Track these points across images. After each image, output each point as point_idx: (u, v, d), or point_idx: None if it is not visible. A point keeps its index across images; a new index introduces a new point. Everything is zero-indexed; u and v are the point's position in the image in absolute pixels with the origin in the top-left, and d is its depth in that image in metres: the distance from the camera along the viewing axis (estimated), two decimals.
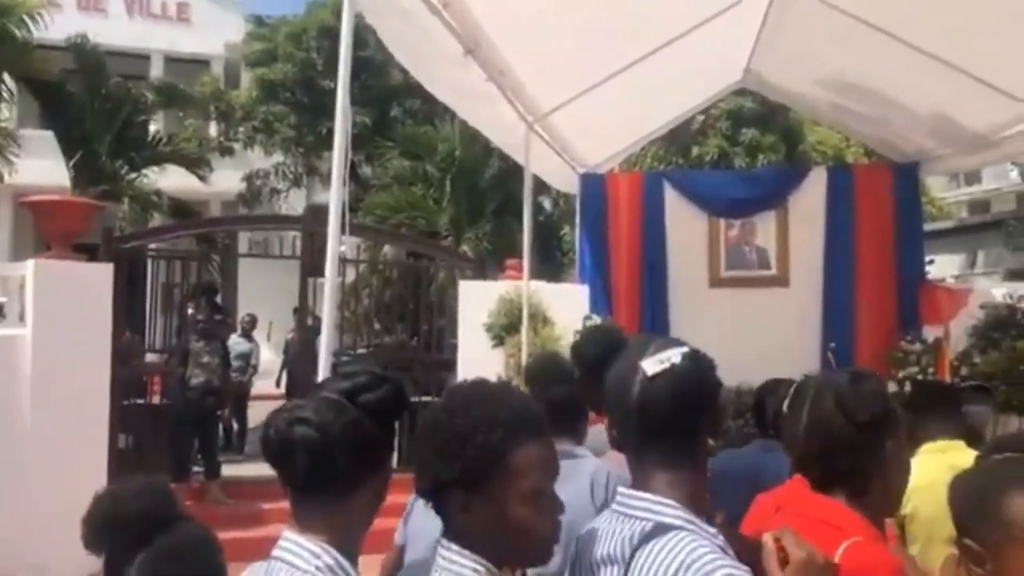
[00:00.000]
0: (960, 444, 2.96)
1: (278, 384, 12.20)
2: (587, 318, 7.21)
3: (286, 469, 1.44)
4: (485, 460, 1.36)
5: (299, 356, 10.04)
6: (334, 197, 2.56)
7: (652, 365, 1.40)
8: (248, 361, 10.75)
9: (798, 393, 1.69)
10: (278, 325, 14.17)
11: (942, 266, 12.29)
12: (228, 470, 8.39)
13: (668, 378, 1.39)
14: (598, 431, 2.67)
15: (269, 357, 13.00)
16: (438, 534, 1.46)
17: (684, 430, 1.41)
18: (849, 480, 1.57)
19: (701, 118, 13.25)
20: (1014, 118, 5.11)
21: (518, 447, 1.38)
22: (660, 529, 1.35)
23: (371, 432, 1.43)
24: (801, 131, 16.25)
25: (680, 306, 7.62)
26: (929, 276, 7.86)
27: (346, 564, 1.42)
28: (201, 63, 20.32)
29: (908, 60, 5.08)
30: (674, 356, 1.41)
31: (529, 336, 5.99)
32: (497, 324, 6.67)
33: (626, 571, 1.35)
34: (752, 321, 7.36)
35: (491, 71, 3.90)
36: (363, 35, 10.00)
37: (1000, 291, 6.84)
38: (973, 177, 27.52)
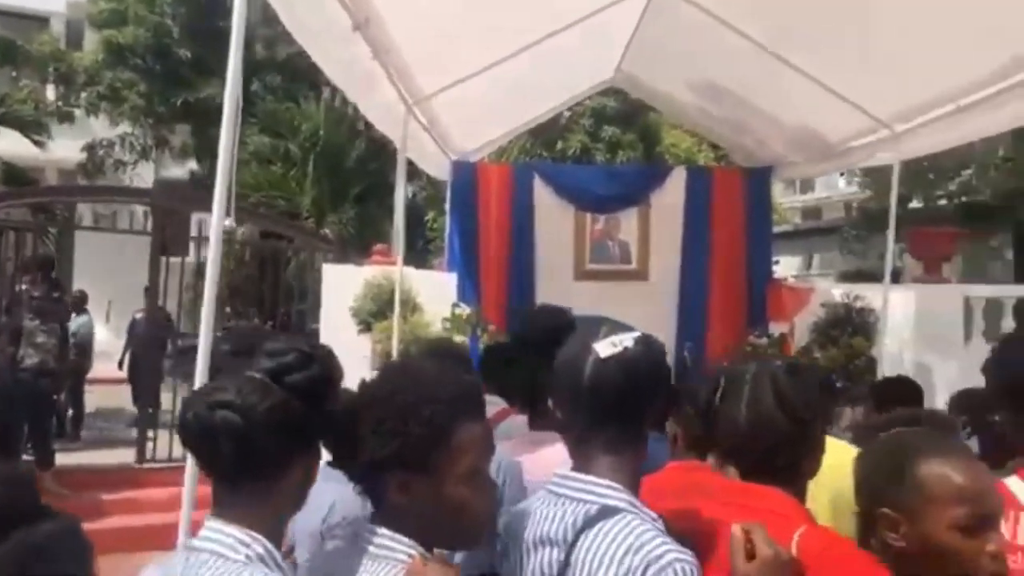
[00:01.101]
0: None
1: (120, 366, 11.48)
2: (455, 306, 7.23)
3: (208, 456, 1.36)
4: (429, 437, 1.32)
5: (145, 338, 9.50)
6: (221, 171, 2.43)
7: (605, 347, 1.41)
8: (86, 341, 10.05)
9: (732, 385, 1.62)
10: (118, 306, 13.33)
11: (782, 267, 13.09)
12: (63, 459, 7.84)
13: (621, 361, 1.40)
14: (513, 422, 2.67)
15: (106, 338, 12.20)
16: (321, 527, 1.42)
17: (633, 414, 1.43)
18: (784, 469, 1.56)
19: (568, 114, 13.49)
20: (862, 130, 5.49)
21: (461, 425, 1.35)
22: (606, 512, 1.35)
23: (299, 414, 1.36)
24: (659, 132, 16.90)
25: (546, 296, 7.70)
26: (775, 276, 8.34)
27: (276, 552, 1.34)
28: (39, 20, 18.78)
29: (771, 68, 5.36)
30: (627, 340, 1.42)
31: (399, 323, 5.91)
32: (364, 309, 6.54)
33: (567, 554, 1.34)
34: (613, 313, 7.47)
35: (378, 49, 3.81)
36: (225, 4, 9.53)
37: (839, 291, 7.35)
38: (807, 185, 29.57)
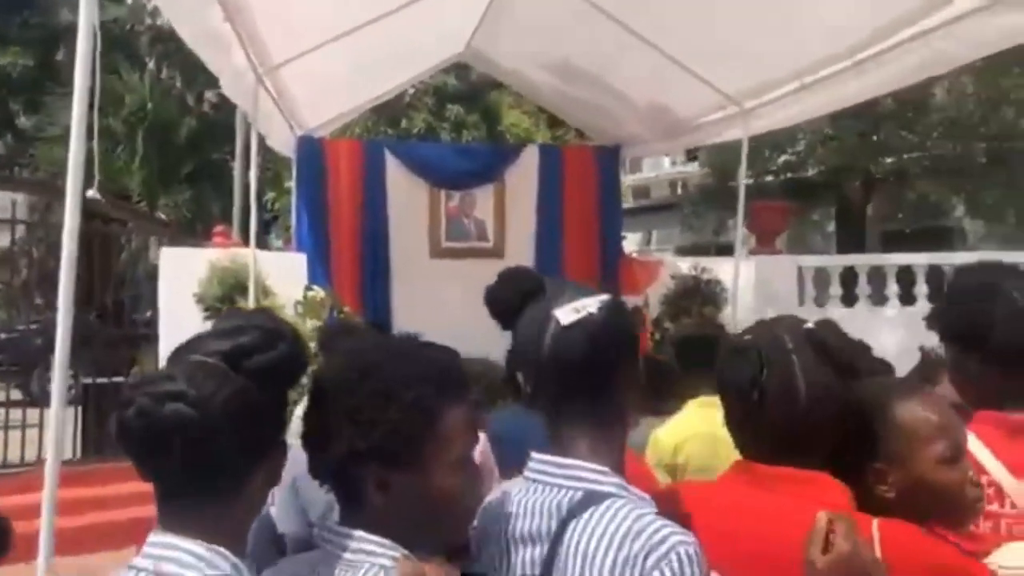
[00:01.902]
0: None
1: None
2: (307, 288, 6.93)
3: (155, 460, 1.13)
4: (414, 423, 1.17)
5: None
6: (74, 149, 2.16)
7: (567, 314, 1.29)
8: None
9: (776, 357, 1.37)
10: None
11: (626, 243, 13.53)
12: None
13: (583, 328, 1.28)
14: None
15: None
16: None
17: (603, 385, 1.28)
18: (841, 452, 1.38)
19: (412, 91, 13.27)
20: (712, 106, 5.69)
21: (448, 408, 1.21)
22: (593, 498, 1.22)
23: (262, 404, 1.15)
24: (500, 112, 16.97)
25: (402, 276, 7.60)
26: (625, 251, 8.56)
27: (243, 567, 1.15)
28: None
29: (625, 45, 5.45)
30: (591, 305, 1.31)
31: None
32: (210, 295, 6.14)
33: (552, 547, 1.20)
34: (471, 291, 7.38)
35: (229, 8, 3.52)
36: None
37: (685, 264, 7.64)
38: (635, 165, 30.82)
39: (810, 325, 1.42)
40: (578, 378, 1.28)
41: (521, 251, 7.86)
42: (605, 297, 1.33)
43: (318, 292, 6.85)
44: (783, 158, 10.53)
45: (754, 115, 5.28)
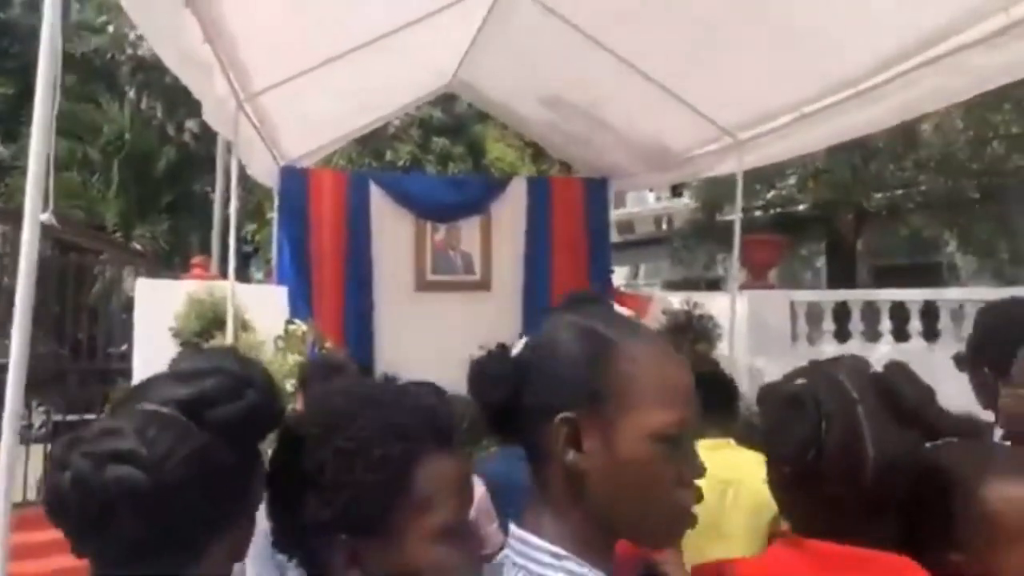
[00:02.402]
0: (730, 442, 2.99)
1: None
2: (289, 322, 6.71)
3: (93, 537, 0.92)
4: (382, 487, 0.97)
5: None
6: (33, 172, 1.99)
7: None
8: None
9: (838, 410, 1.14)
10: None
11: (613, 277, 13.41)
12: None
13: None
14: None
15: None
16: None
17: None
18: (920, 525, 1.15)
19: (397, 123, 13.18)
20: (705, 138, 5.56)
21: (426, 466, 1.02)
22: None
23: (227, 465, 0.95)
24: (484, 144, 16.94)
25: (385, 310, 7.41)
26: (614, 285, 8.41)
27: None
28: None
29: (618, 75, 5.32)
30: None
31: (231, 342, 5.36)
32: (188, 328, 5.91)
33: None
34: (456, 325, 7.33)
35: (209, 31, 3.36)
36: None
37: (676, 298, 7.49)
38: (619, 200, 30.93)
39: (877, 369, 1.19)
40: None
41: (508, 285, 7.70)
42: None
43: (299, 326, 6.63)
44: (772, 192, 10.46)
45: (749, 147, 5.16)
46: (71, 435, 0.93)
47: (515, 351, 1.02)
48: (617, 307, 1.09)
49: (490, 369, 1.01)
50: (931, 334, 7.60)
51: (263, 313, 6.44)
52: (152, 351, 6.37)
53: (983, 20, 3.15)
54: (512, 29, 5.79)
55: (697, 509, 1.00)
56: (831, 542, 1.13)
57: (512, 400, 1.00)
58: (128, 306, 8.01)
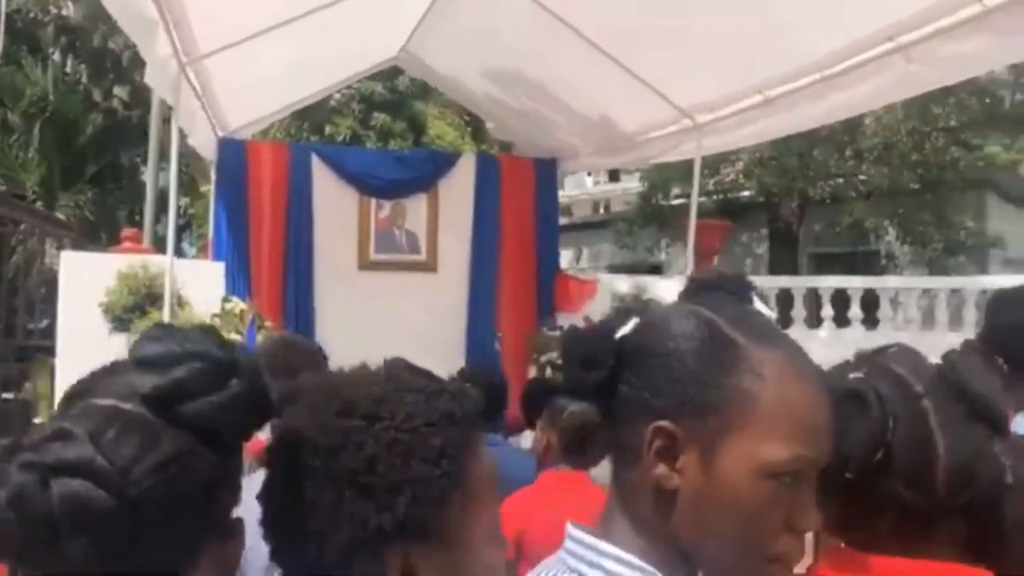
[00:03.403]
0: None
1: None
2: (226, 299, 6.45)
3: (38, 565, 0.72)
4: (442, 481, 0.82)
5: None
6: None
7: None
8: None
9: (906, 405, 1.02)
10: None
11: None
12: None
13: None
14: None
15: None
16: None
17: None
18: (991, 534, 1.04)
19: (338, 96, 12.83)
20: (663, 120, 5.48)
21: (475, 454, 0.88)
22: None
23: (208, 472, 0.76)
24: (425, 122, 16.67)
25: (327, 288, 7.17)
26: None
27: None
28: None
29: (576, 52, 5.20)
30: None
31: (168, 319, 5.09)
32: (118, 304, 5.61)
33: None
34: (401, 305, 7.17)
35: None
36: None
37: (623, 282, 7.45)
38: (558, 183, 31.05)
39: (939, 361, 1.07)
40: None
41: (455, 264, 7.53)
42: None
43: (237, 303, 6.38)
44: (715, 178, 10.52)
45: (709, 131, 5.09)
46: (6, 441, 0.73)
47: (621, 330, 0.86)
48: (757, 303, 0.94)
49: (588, 345, 0.84)
50: (871, 321, 7.74)
51: (199, 290, 6.17)
52: (79, 327, 6.05)
53: (958, 9, 3.12)
54: (466, 1, 5.61)
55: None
56: (895, 554, 1.02)
57: (606, 385, 0.85)
58: (50, 279, 7.60)
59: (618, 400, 0.85)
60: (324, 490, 0.82)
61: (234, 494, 0.84)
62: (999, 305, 1.81)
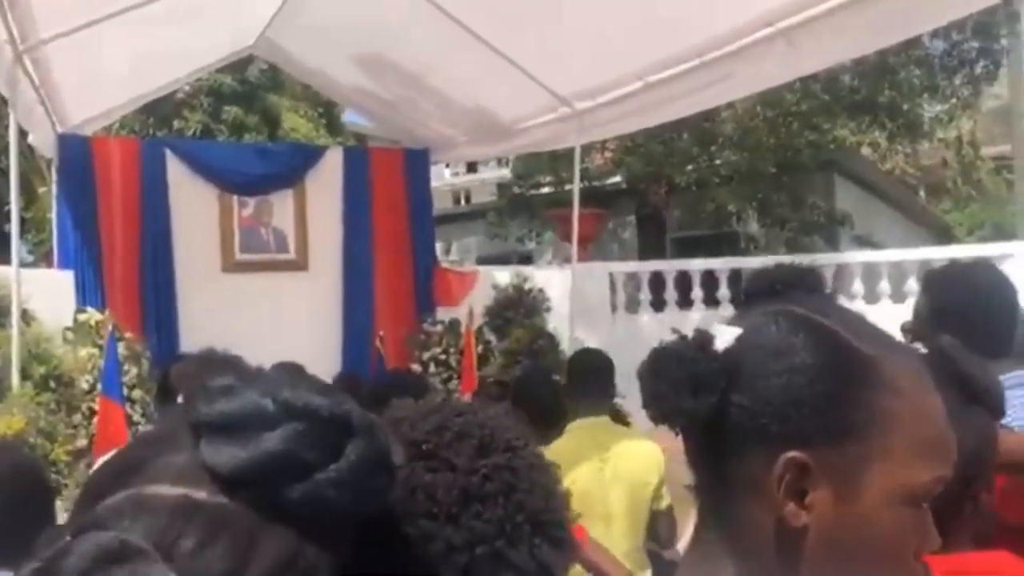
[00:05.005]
0: (605, 420, 2.91)
1: None
2: (79, 311, 5.93)
3: None
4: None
5: None
6: None
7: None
8: None
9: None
10: None
11: None
12: None
13: None
14: None
15: None
16: None
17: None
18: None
19: (187, 89, 12.10)
20: (539, 108, 5.42)
21: None
22: None
23: (313, 568, 0.52)
24: (279, 115, 16.06)
25: (190, 293, 6.72)
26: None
27: None
28: None
29: (449, 38, 5.06)
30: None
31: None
32: None
33: None
34: (271, 307, 6.82)
35: None
36: None
37: (503, 274, 7.38)
38: None
39: (930, 346, 1.06)
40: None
41: (326, 263, 7.23)
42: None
43: (92, 314, 5.87)
44: (582, 165, 10.64)
45: (588, 119, 5.07)
46: (37, 561, 0.46)
47: (719, 343, 0.73)
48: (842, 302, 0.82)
49: (693, 365, 0.71)
50: (739, 301, 8.00)
51: (47, 302, 5.63)
52: None
53: None
54: None
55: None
56: None
57: (715, 411, 0.72)
58: None
59: (723, 426, 0.72)
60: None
61: None
62: (935, 286, 1.83)
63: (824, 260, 7.92)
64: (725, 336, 0.73)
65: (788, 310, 0.74)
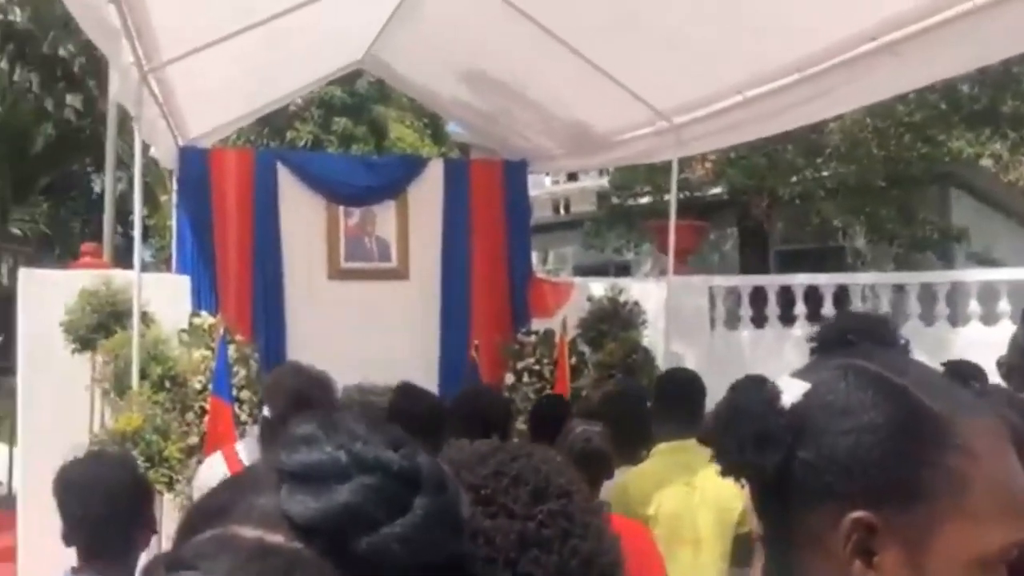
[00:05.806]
0: (692, 443, 2.88)
1: None
2: (193, 314, 6.25)
3: None
4: None
5: None
6: None
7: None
8: None
9: None
10: None
11: None
12: None
13: None
14: None
15: None
16: None
17: None
18: None
19: (300, 102, 12.61)
20: (637, 122, 5.41)
21: None
22: None
23: None
24: (386, 125, 16.51)
25: (297, 299, 6.99)
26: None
27: None
28: None
29: (547, 52, 5.11)
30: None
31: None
32: (81, 323, 5.38)
33: None
34: (372, 314, 7.03)
35: None
36: None
37: (599, 285, 7.37)
38: None
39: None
40: None
41: (426, 272, 7.39)
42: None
43: (205, 318, 6.19)
44: (682, 175, 10.53)
45: (686, 132, 5.03)
46: None
47: (787, 397, 0.75)
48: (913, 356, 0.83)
49: (760, 422, 0.73)
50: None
51: (164, 305, 5.97)
52: (39, 347, 5.83)
53: (949, 6, 3.08)
54: (433, 4, 5.50)
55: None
56: None
57: (781, 467, 0.73)
58: (5, 296, 7.31)
59: (789, 481, 0.74)
60: None
61: None
62: None
63: (937, 278, 7.60)
64: (793, 390, 0.74)
65: (858, 365, 0.74)
